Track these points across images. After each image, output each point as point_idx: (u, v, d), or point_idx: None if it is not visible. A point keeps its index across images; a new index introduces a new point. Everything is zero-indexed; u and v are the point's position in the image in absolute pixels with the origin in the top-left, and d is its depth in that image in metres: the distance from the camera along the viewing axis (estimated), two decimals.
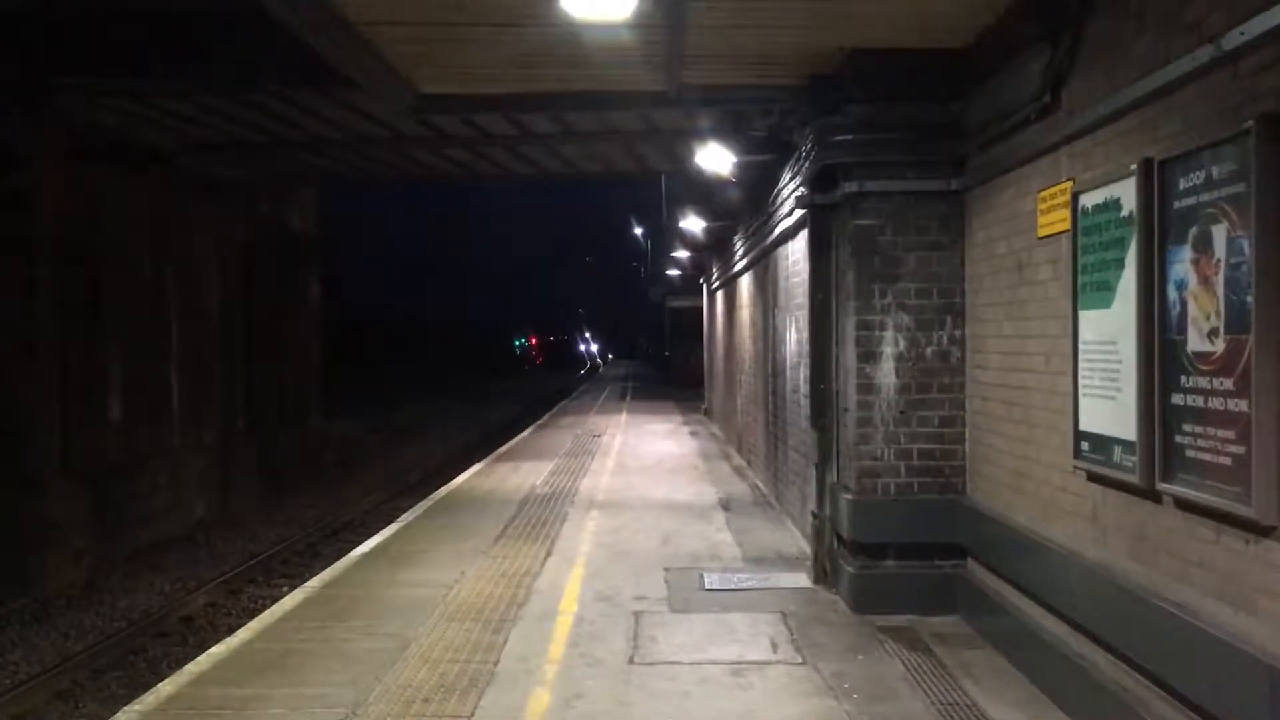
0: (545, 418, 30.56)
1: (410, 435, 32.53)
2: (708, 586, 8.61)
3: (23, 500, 12.57)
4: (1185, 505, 4.39)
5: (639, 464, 17.54)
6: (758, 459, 15.24)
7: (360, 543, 11.20)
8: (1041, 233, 6.02)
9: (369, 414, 35.75)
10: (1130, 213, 4.78)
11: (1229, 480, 4.00)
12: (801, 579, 8.71)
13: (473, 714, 5.67)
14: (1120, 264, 4.91)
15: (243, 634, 7.37)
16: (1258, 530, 3.87)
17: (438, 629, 7.33)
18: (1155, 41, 4.62)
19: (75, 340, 13.76)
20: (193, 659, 7.08)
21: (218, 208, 17.98)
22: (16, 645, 10.63)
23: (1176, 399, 4.41)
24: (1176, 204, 4.39)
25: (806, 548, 9.17)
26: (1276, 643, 3.76)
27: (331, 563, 10.37)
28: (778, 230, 11.62)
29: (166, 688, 6.22)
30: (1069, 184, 5.57)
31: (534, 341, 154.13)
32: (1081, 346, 5.37)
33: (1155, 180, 4.54)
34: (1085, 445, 5.33)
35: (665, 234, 27.89)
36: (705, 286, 27.72)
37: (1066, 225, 5.55)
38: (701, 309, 30.38)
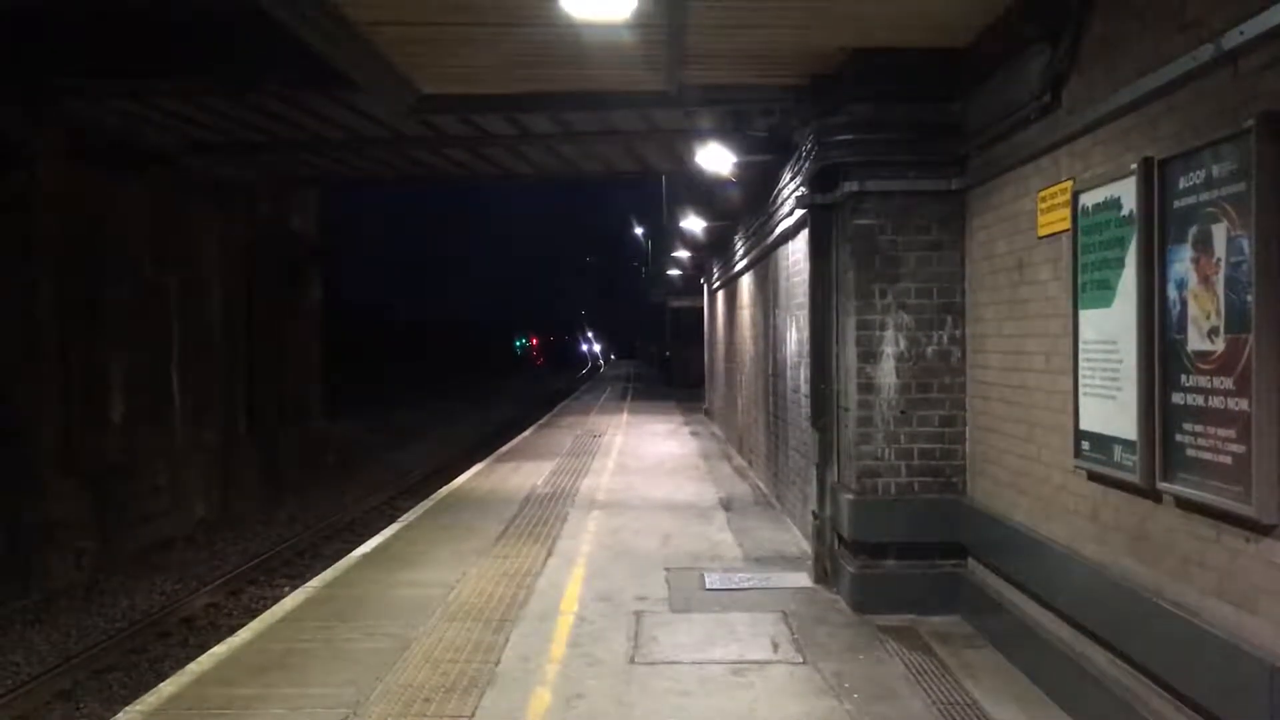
0: (546, 418, 30.56)
1: (411, 435, 32.53)
2: (708, 586, 8.61)
3: (24, 500, 12.58)
4: (1185, 504, 4.39)
5: (640, 464, 17.54)
6: (758, 459, 15.24)
7: (361, 543, 11.21)
8: (1042, 232, 6.02)
9: (369, 414, 35.75)
10: (1130, 212, 4.79)
11: (1229, 479, 4.00)
12: (802, 579, 8.72)
13: (474, 714, 5.67)
14: (1120, 263, 4.91)
15: (244, 634, 7.37)
16: (1258, 529, 3.87)
17: (439, 629, 7.34)
18: (1155, 41, 4.62)
19: (76, 340, 13.77)
20: (194, 659, 7.09)
21: (218, 208, 17.98)
22: (18, 645, 10.64)
23: (1177, 398, 4.41)
24: (1177, 203, 4.39)
25: (807, 547, 9.17)
26: (1277, 641, 3.76)
27: (332, 563, 10.37)
28: (778, 230, 11.63)
29: (168, 688, 6.22)
30: (1069, 183, 5.57)
31: (534, 342, 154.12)
32: (1082, 346, 5.38)
33: (1155, 179, 4.54)
34: (1086, 444, 5.33)
35: (666, 234, 27.89)
36: (706, 286, 27.72)
37: (1067, 224, 5.55)
38: (702, 309, 30.39)
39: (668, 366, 52.96)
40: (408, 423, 36.47)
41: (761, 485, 14.41)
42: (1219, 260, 4.06)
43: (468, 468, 18.01)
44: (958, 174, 7.46)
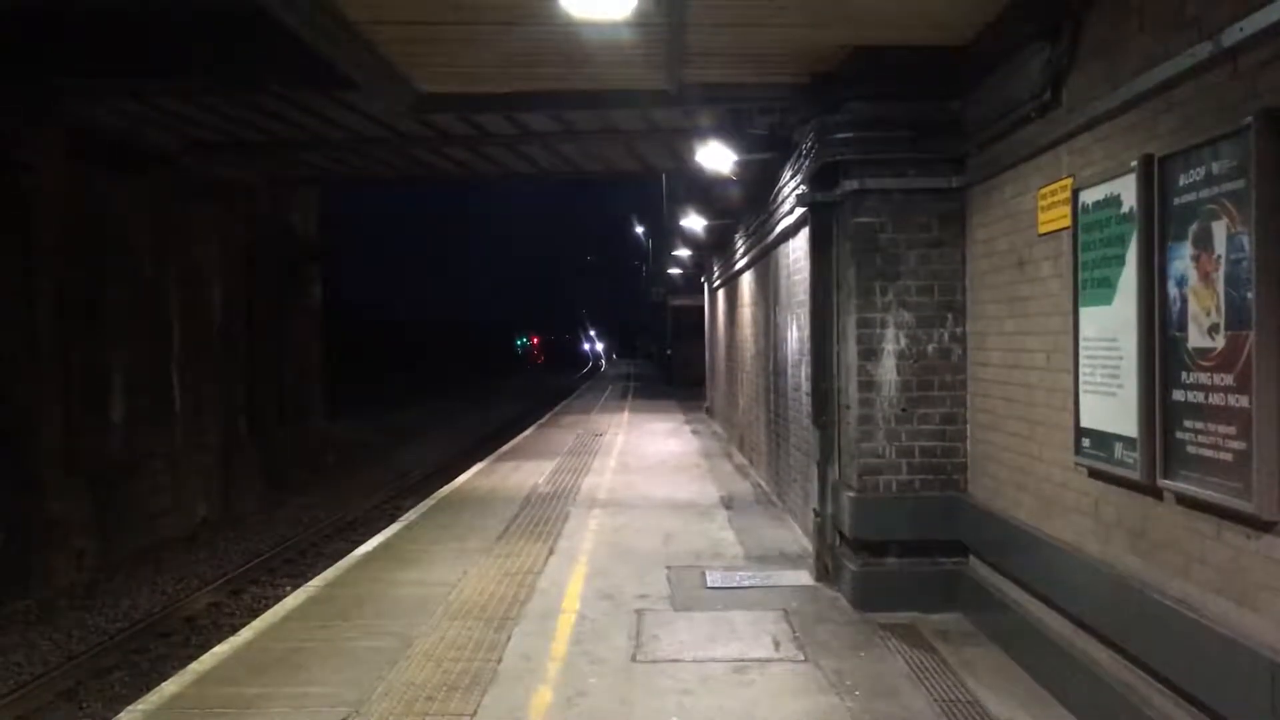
0: (547, 417, 30.56)
1: (411, 435, 32.53)
2: (710, 584, 8.62)
3: (25, 500, 12.59)
4: (1186, 501, 4.40)
5: (641, 463, 17.54)
6: (759, 457, 15.24)
7: (362, 542, 11.21)
8: (1042, 229, 6.03)
9: (370, 414, 35.76)
10: (1130, 209, 4.79)
11: (1230, 476, 4.01)
12: (803, 577, 8.72)
13: (475, 712, 5.68)
14: (1121, 260, 4.91)
15: (245, 633, 7.38)
16: (1258, 525, 3.87)
17: (440, 627, 7.34)
18: (1155, 38, 4.63)
19: (77, 340, 13.78)
20: (196, 658, 7.10)
21: (219, 208, 17.99)
22: (19, 646, 10.65)
23: (1177, 395, 4.41)
24: (1176, 200, 4.39)
25: (808, 545, 9.17)
26: (1277, 638, 3.76)
27: (334, 562, 10.37)
28: (779, 228, 11.62)
29: (170, 687, 6.23)
30: (1069, 181, 5.58)
31: (535, 341, 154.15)
32: (1082, 343, 5.38)
33: (1155, 177, 4.55)
34: (1086, 442, 5.33)
35: (666, 233, 27.90)
36: (706, 285, 27.71)
37: (1067, 222, 5.55)
38: (703, 308, 30.38)
39: (668, 365, 52.95)
40: (408, 422, 36.48)
41: (763, 483, 14.41)
42: (1219, 257, 4.07)
43: (469, 467, 18.01)
44: (958, 172, 7.46)
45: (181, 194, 16.59)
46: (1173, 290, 4.44)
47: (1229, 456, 4.02)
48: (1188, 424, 4.33)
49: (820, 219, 8.44)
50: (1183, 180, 4.33)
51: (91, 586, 12.91)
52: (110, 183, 14.76)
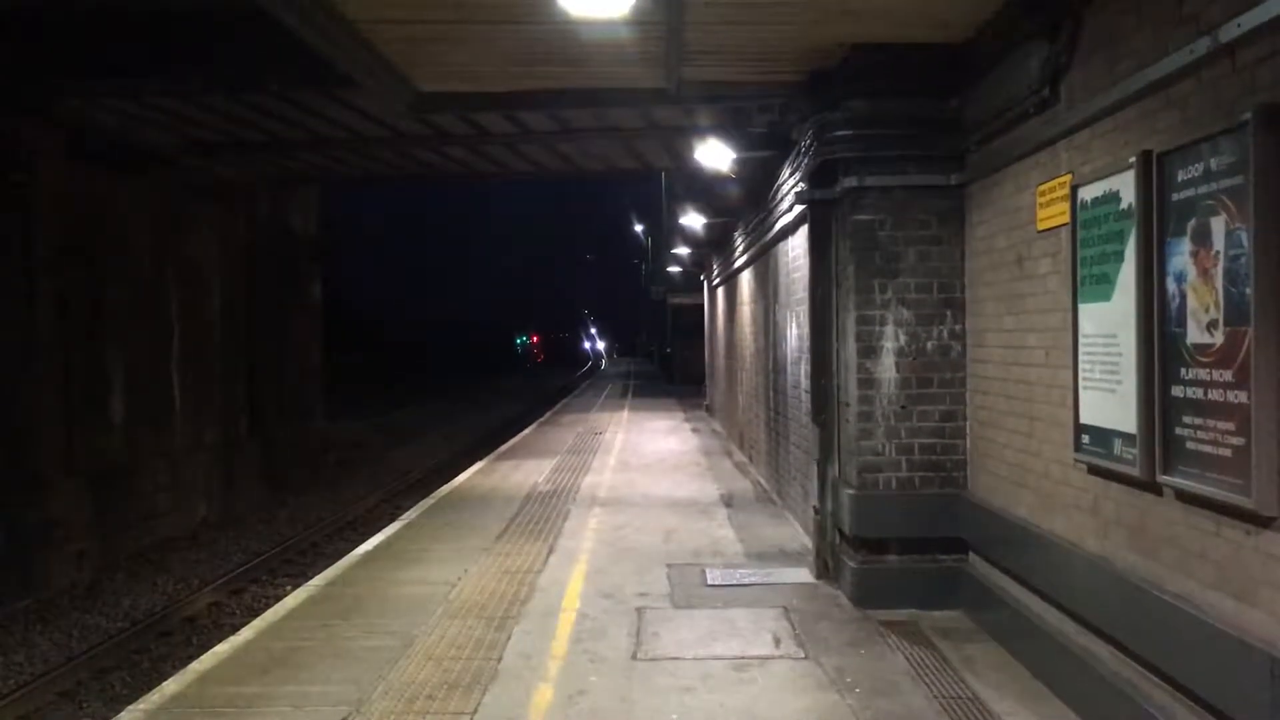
0: (547, 415, 30.58)
1: (411, 434, 32.53)
2: (710, 582, 8.62)
3: (25, 500, 12.59)
4: (1186, 497, 4.40)
5: (641, 461, 17.55)
6: (759, 455, 15.25)
7: (362, 541, 11.22)
8: (1041, 226, 6.03)
9: (370, 413, 35.78)
10: (1129, 205, 4.79)
11: (1229, 472, 4.01)
12: (803, 574, 8.72)
13: (476, 710, 5.68)
14: (1120, 257, 4.92)
15: (246, 633, 7.38)
16: (1258, 521, 3.87)
17: (440, 626, 7.35)
18: (1153, 34, 4.63)
19: (77, 341, 13.78)
20: (196, 658, 7.10)
21: (218, 208, 17.99)
22: (20, 646, 10.65)
23: (1176, 391, 4.42)
24: (1175, 196, 4.39)
25: (808, 543, 9.17)
26: (1277, 633, 3.77)
27: (334, 561, 10.37)
28: (778, 226, 11.62)
29: (171, 686, 6.23)
30: (1068, 177, 5.58)
31: (535, 340, 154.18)
32: (1082, 339, 5.38)
33: (1154, 173, 4.55)
34: (1086, 438, 5.34)
35: (666, 231, 27.87)
36: (706, 283, 27.72)
37: (1066, 219, 5.56)
38: (702, 306, 30.38)
39: (668, 363, 52.99)
40: (408, 421, 36.50)
41: (762, 481, 14.41)
42: (1217, 253, 4.07)
43: (468, 466, 18.02)
44: (957, 169, 7.46)
45: (181, 194, 16.59)
46: (1171, 286, 4.44)
47: (1228, 452, 4.02)
48: (1187, 420, 4.34)
49: (819, 216, 8.44)
50: (1181, 176, 4.34)
51: (92, 586, 12.91)
52: (110, 182, 14.75)
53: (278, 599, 9.61)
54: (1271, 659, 3.71)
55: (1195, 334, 4.26)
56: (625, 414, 29.54)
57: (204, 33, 11.51)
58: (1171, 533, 4.55)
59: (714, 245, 22.58)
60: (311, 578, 9.51)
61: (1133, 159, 4.71)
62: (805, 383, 9.50)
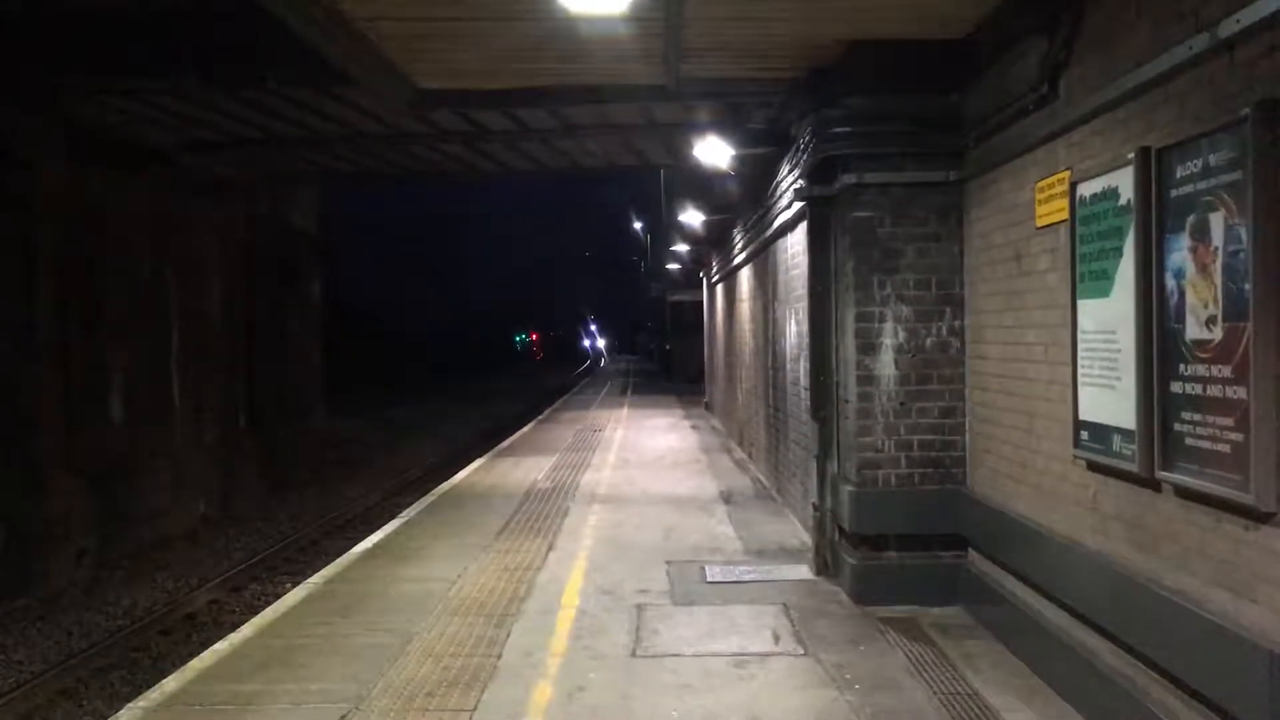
0: (546, 413, 30.58)
1: (411, 432, 32.55)
2: (709, 579, 8.62)
3: (25, 498, 12.59)
4: (1184, 493, 4.40)
5: (640, 458, 17.56)
6: (759, 452, 15.25)
7: (362, 539, 11.21)
8: (1040, 223, 6.03)
9: (370, 412, 35.80)
10: (1128, 201, 4.79)
11: (1228, 467, 4.01)
12: (803, 571, 8.73)
13: (476, 707, 5.68)
14: (1118, 253, 4.92)
15: (246, 630, 7.39)
16: (1256, 517, 3.88)
17: (440, 624, 7.35)
18: (1152, 30, 4.63)
19: (77, 339, 13.78)
20: (196, 655, 7.10)
21: (218, 207, 17.98)
22: (20, 644, 10.66)
23: (1175, 387, 4.42)
24: (1174, 192, 4.39)
25: (808, 540, 9.18)
26: (1275, 628, 3.77)
27: (334, 559, 10.38)
28: (777, 223, 11.62)
29: (170, 684, 6.24)
30: (1067, 173, 5.58)
31: (535, 338, 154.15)
32: (1080, 336, 5.38)
33: (1153, 169, 4.55)
34: (1085, 434, 5.34)
35: (665, 228, 27.87)
36: (705, 280, 27.71)
37: (1065, 215, 5.56)
38: (702, 303, 30.38)
39: (668, 361, 53.00)
40: (408, 419, 36.51)
41: (762, 478, 14.42)
42: (1216, 249, 4.07)
43: (468, 463, 18.03)
44: (956, 165, 7.46)
45: (181, 192, 16.58)
46: (1170, 282, 4.44)
47: (1227, 448, 4.02)
48: (1186, 416, 4.34)
49: (818, 213, 8.44)
50: (1180, 172, 4.34)
51: (92, 584, 12.91)
52: (110, 181, 14.74)
53: (277, 597, 9.61)
54: (1270, 654, 3.72)
55: (1194, 330, 4.26)
56: (624, 411, 29.54)
57: (203, 30, 11.51)
58: (1170, 528, 4.55)
59: (713, 242, 22.58)
60: (311, 575, 9.51)
61: (1131, 155, 4.71)
62: (804, 379, 9.50)
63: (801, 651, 6.61)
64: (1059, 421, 5.72)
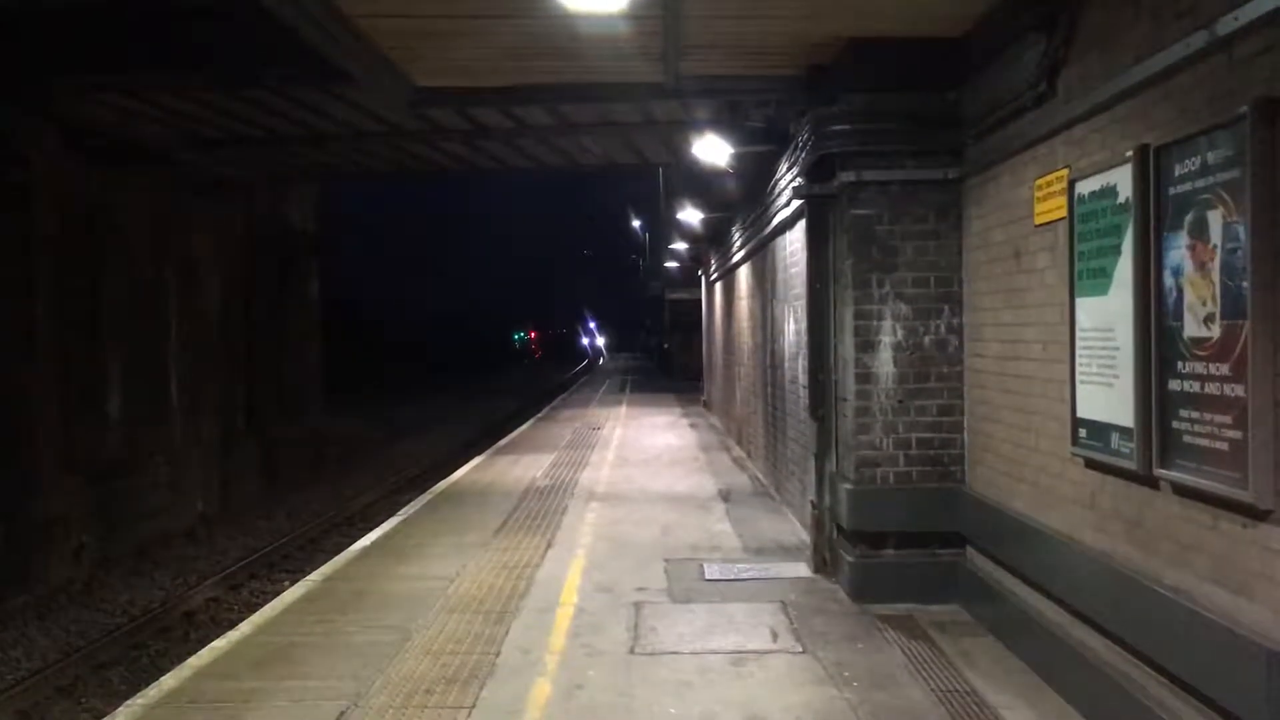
0: (545, 411, 30.58)
1: (409, 430, 32.53)
2: (708, 577, 8.63)
3: (24, 497, 12.59)
4: (1183, 491, 4.41)
5: (638, 456, 17.55)
6: (757, 450, 15.25)
7: (361, 536, 11.22)
8: (1038, 220, 6.03)
9: (368, 410, 35.74)
10: (1126, 199, 4.79)
11: (1226, 465, 4.02)
12: (801, 568, 8.73)
13: (474, 705, 5.69)
14: (1117, 251, 4.92)
15: (244, 628, 7.39)
16: (1254, 514, 3.88)
17: (439, 621, 7.35)
18: (1150, 27, 4.63)
19: (75, 338, 13.78)
20: (194, 653, 7.10)
21: (217, 205, 17.97)
22: (19, 641, 10.66)
23: (1173, 385, 4.42)
24: (1172, 190, 4.39)
25: (806, 537, 9.19)
26: (1273, 626, 3.77)
27: (332, 557, 10.37)
28: (775, 221, 11.62)
29: (169, 681, 6.23)
30: (1065, 171, 5.58)
31: (533, 336, 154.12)
32: (1079, 333, 5.38)
33: (1151, 166, 4.55)
34: (1083, 432, 5.34)
35: (663, 226, 27.87)
36: (704, 278, 27.70)
37: (1063, 212, 5.56)
38: (700, 301, 30.37)
39: (666, 359, 53.00)
40: (406, 417, 36.47)
41: (760, 476, 14.42)
42: (1215, 247, 4.07)
43: (466, 461, 18.03)
44: (954, 163, 7.46)
45: (179, 190, 16.57)
46: (1169, 280, 4.44)
47: (1225, 446, 4.03)
48: (1184, 414, 4.34)
49: (817, 211, 8.44)
50: (1179, 170, 4.34)
51: (90, 582, 12.92)
52: (108, 179, 14.73)
53: (276, 594, 9.61)
54: (1268, 651, 3.72)
55: (1192, 328, 4.26)
56: (623, 409, 29.54)
57: (202, 28, 11.50)
58: (1168, 526, 4.55)
59: (711, 240, 22.57)
60: (310, 573, 9.51)
61: (1130, 153, 4.71)
62: (803, 378, 9.50)
63: (800, 649, 6.61)
64: (1057, 419, 5.73)
